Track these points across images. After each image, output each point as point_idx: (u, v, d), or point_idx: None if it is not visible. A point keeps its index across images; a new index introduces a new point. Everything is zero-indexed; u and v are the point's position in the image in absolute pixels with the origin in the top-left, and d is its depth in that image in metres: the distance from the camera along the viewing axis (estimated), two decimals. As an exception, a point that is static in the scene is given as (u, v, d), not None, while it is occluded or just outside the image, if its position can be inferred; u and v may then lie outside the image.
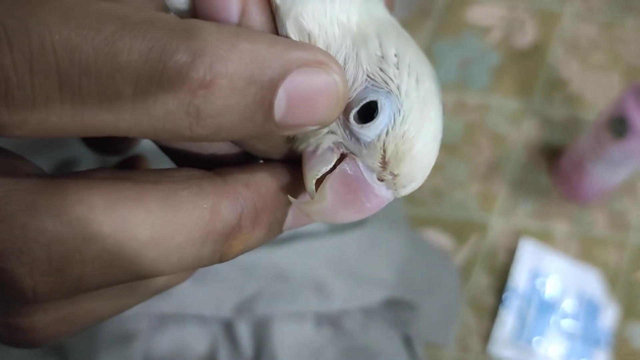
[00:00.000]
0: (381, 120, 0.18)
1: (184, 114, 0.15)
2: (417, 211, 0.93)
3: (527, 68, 1.05)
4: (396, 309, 0.55)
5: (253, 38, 0.16)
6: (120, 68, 0.14)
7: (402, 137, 0.18)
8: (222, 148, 0.20)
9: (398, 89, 0.18)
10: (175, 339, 0.46)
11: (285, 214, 0.19)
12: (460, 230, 0.93)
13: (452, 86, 1.02)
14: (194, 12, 0.18)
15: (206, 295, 0.47)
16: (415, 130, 0.18)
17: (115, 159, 0.28)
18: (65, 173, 0.16)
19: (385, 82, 0.18)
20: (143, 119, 0.15)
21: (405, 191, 0.19)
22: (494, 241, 0.93)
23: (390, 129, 0.18)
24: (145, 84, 0.14)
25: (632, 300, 0.91)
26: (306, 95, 0.16)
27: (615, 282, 0.91)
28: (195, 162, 0.20)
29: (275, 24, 0.18)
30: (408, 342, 0.56)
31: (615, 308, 0.89)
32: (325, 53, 0.17)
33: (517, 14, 1.09)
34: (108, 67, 0.14)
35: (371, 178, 0.19)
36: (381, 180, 0.19)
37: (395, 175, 0.18)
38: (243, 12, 0.18)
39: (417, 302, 0.58)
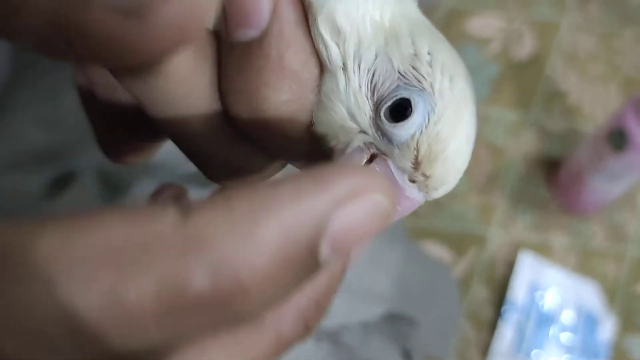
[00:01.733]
0: (415, 118, 0.18)
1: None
2: (416, 223, 0.93)
3: (526, 80, 1.05)
4: (395, 323, 0.55)
5: (274, 206, 0.13)
6: (136, 321, 0.12)
7: (436, 136, 0.18)
8: (244, 152, 0.20)
9: (431, 87, 0.18)
10: None
11: None
12: (460, 242, 0.93)
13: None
14: (223, 15, 0.17)
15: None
16: (449, 131, 0.18)
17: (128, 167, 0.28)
18: None
19: (418, 81, 0.18)
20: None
21: (437, 194, 0.19)
22: (493, 253, 0.93)
23: (424, 128, 0.18)
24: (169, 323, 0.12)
25: (630, 312, 0.91)
26: (350, 231, 0.13)
27: (613, 294, 0.91)
28: (217, 164, 0.20)
29: (307, 22, 0.18)
30: (407, 356, 0.56)
31: (614, 320, 0.89)
32: (359, 172, 0.13)
33: (515, 25, 1.10)
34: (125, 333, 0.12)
35: (402, 179, 0.18)
36: (412, 182, 0.18)
37: (427, 177, 0.18)
38: (275, 11, 0.17)
39: (416, 316, 0.58)
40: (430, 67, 0.18)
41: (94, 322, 0.11)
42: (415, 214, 0.92)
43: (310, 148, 0.19)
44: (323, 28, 0.18)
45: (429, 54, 0.18)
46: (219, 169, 0.20)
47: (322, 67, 0.18)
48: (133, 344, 0.12)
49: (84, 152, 0.47)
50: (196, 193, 0.46)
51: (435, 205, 0.94)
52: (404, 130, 0.18)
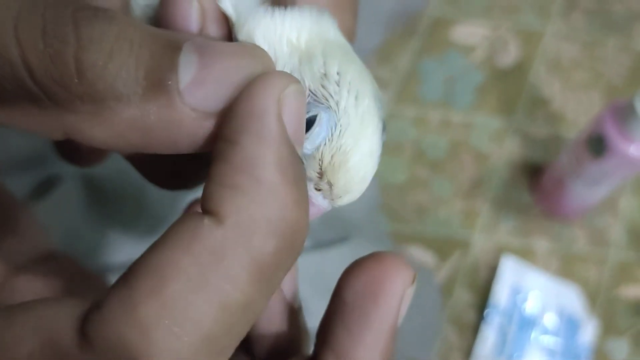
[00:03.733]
0: (318, 131, 0.19)
1: None
2: (400, 228, 0.94)
3: (510, 87, 1.07)
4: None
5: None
6: None
7: (339, 149, 0.19)
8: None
9: (337, 104, 0.19)
10: None
11: None
12: (443, 247, 0.94)
13: (437, 104, 1.03)
14: (158, 21, 0.19)
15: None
16: (352, 144, 0.19)
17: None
18: None
19: (326, 98, 0.19)
20: None
21: (342, 202, 0.20)
22: (476, 258, 0.94)
23: (327, 141, 0.19)
24: None
25: (611, 316, 0.92)
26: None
27: (595, 298, 0.93)
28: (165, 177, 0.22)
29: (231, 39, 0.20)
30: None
31: (595, 324, 0.90)
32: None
33: (500, 33, 1.11)
34: None
35: (309, 187, 0.19)
36: (318, 190, 0.19)
37: (331, 185, 0.19)
38: (202, 28, 0.19)
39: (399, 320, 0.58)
40: (338, 85, 0.19)
41: None
42: (400, 219, 0.93)
43: None
44: None
45: (337, 73, 0.19)
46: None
47: None
48: None
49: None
50: (181, 198, 0.47)
51: (421, 211, 0.95)
52: (309, 143, 0.19)
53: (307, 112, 0.19)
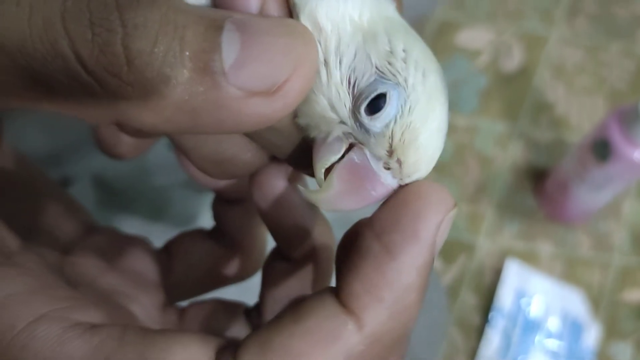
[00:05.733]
0: (389, 110, 0.19)
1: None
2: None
3: (514, 91, 1.08)
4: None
5: None
6: None
7: (409, 126, 0.19)
8: (235, 145, 0.21)
9: (405, 81, 0.19)
10: None
11: None
12: (449, 250, 0.95)
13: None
14: (214, 3, 0.19)
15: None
16: (421, 121, 0.19)
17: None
18: None
19: (394, 75, 0.19)
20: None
21: (410, 180, 0.19)
22: (481, 261, 0.94)
23: (398, 118, 0.19)
24: None
25: (615, 319, 0.93)
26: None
27: (598, 302, 0.93)
28: (210, 162, 0.22)
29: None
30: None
31: (599, 328, 0.91)
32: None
33: (504, 38, 1.12)
34: None
35: (377, 166, 0.19)
36: (388, 169, 0.19)
37: (401, 163, 0.19)
38: (262, 9, 0.19)
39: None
40: (405, 62, 0.19)
41: None
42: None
43: (295, 139, 0.21)
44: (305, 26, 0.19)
45: (403, 51, 0.19)
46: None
47: None
48: None
49: (80, 157, 0.48)
50: (190, 198, 0.48)
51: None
52: (379, 122, 0.19)
53: (375, 90, 0.19)
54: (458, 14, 1.12)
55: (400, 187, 0.19)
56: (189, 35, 0.16)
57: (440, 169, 0.98)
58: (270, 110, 0.17)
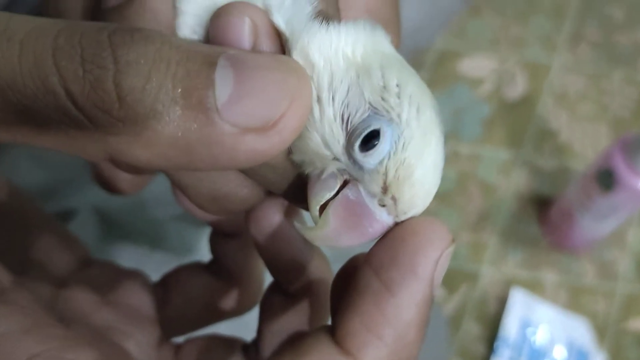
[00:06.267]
0: (383, 147, 0.19)
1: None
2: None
3: (517, 119, 1.08)
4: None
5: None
6: None
7: (403, 163, 0.19)
8: (231, 182, 0.21)
9: (399, 117, 0.19)
10: None
11: None
12: (451, 279, 0.94)
13: (445, 136, 1.03)
14: (207, 41, 0.19)
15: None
16: (416, 158, 0.19)
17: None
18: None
19: (387, 111, 0.19)
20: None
21: (407, 217, 0.19)
22: (485, 290, 0.94)
23: (391, 154, 0.19)
24: None
25: (620, 348, 0.92)
26: None
27: (604, 331, 0.92)
28: (206, 198, 0.21)
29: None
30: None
31: (604, 357, 0.90)
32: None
33: (507, 66, 1.12)
34: None
35: (372, 203, 0.19)
36: (383, 206, 0.19)
37: (396, 200, 0.19)
38: (255, 44, 0.19)
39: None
40: (399, 98, 0.19)
41: None
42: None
43: (290, 175, 0.20)
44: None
45: (397, 86, 0.19)
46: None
47: None
48: None
49: (80, 189, 0.48)
50: (188, 231, 0.48)
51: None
52: (373, 158, 0.19)
53: (369, 126, 0.19)
54: (459, 43, 1.13)
55: (397, 223, 0.19)
56: (182, 71, 0.16)
57: (443, 197, 0.98)
58: (266, 146, 0.17)
